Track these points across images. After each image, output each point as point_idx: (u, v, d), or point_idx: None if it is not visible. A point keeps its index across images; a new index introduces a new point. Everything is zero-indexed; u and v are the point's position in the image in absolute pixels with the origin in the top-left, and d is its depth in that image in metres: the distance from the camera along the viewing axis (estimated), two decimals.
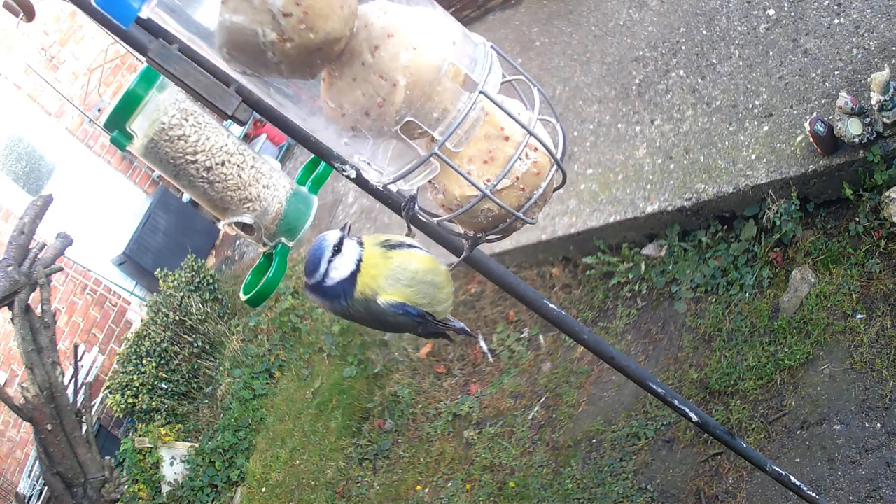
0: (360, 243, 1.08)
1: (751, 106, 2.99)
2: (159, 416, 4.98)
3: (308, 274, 1.07)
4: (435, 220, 1.05)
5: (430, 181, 0.97)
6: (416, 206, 1.09)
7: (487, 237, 1.03)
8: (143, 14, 0.82)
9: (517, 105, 0.96)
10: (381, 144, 0.94)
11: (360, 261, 1.06)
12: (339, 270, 1.06)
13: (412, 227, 1.15)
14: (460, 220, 1.00)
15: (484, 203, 0.95)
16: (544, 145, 0.94)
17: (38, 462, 4.84)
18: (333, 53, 0.84)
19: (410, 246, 1.10)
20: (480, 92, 0.88)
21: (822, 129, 2.55)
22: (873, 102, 2.47)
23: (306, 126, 0.96)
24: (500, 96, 0.94)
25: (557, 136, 1.00)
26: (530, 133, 0.92)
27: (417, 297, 1.08)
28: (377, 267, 1.07)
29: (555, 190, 1.03)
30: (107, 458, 3.25)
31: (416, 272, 1.08)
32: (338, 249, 1.06)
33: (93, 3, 0.80)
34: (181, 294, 5.13)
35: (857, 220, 2.59)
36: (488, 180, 0.93)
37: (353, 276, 1.06)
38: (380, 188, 1.02)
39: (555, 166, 0.97)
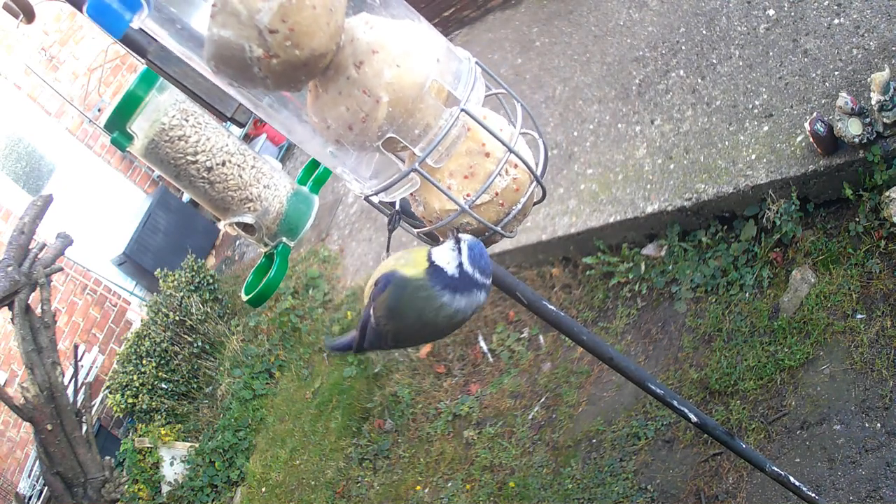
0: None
1: (751, 106, 2.99)
2: (159, 416, 4.99)
3: (486, 272, 1.00)
4: (416, 230, 1.06)
5: (411, 194, 0.98)
6: (401, 220, 1.10)
7: None
8: (135, 25, 0.82)
9: (500, 120, 0.97)
10: (364, 157, 0.95)
11: None
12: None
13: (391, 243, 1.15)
14: (441, 231, 1.01)
15: (463, 217, 0.96)
16: (524, 162, 0.95)
17: (38, 462, 4.85)
18: (318, 69, 0.85)
19: None
20: (462, 110, 0.89)
21: (822, 129, 2.55)
22: (873, 102, 2.47)
23: (293, 137, 0.96)
24: (485, 109, 0.95)
25: (539, 151, 1.01)
26: (511, 150, 0.93)
27: None
28: None
29: (536, 203, 1.04)
30: (107, 458, 3.25)
31: None
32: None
33: (84, 13, 0.80)
34: (181, 294, 5.13)
35: (857, 220, 2.59)
36: (468, 195, 0.94)
37: None
38: (362, 199, 1.03)
39: (534, 183, 0.98)
